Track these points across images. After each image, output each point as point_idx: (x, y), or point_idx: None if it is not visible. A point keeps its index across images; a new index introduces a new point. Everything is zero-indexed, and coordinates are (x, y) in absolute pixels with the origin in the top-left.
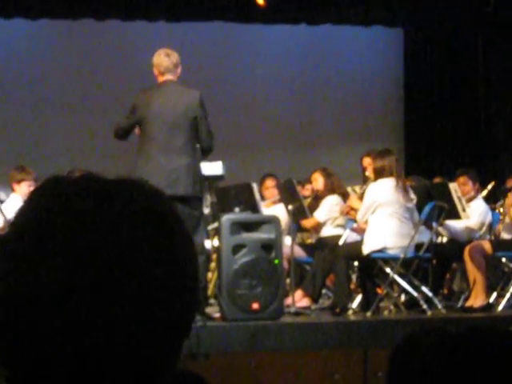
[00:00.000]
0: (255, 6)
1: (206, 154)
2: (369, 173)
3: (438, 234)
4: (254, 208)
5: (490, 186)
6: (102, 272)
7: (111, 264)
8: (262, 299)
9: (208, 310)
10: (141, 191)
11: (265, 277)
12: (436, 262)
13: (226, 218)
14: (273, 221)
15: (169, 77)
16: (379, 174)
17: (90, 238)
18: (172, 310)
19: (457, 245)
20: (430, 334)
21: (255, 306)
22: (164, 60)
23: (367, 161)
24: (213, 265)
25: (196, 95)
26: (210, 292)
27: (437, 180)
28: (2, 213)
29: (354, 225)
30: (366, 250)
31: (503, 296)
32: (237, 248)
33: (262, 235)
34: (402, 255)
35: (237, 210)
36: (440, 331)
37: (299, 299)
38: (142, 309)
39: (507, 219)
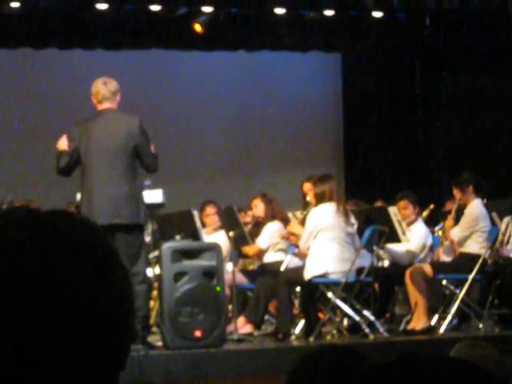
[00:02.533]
0: (193, 33)
1: (153, 172)
2: (309, 198)
3: (379, 258)
4: (195, 235)
5: (430, 209)
6: (31, 303)
7: (40, 296)
8: (205, 326)
9: (150, 338)
10: (73, 223)
11: (207, 304)
12: (378, 286)
13: (167, 245)
14: (214, 248)
15: (107, 105)
16: (320, 199)
17: (19, 269)
18: (104, 341)
19: (398, 268)
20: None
21: (198, 333)
22: (101, 88)
23: (307, 186)
24: (155, 293)
25: (136, 121)
26: (152, 320)
27: (377, 204)
28: None
29: (296, 250)
30: (308, 275)
31: (444, 318)
32: (178, 276)
33: (203, 262)
34: (343, 280)
35: (178, 237)
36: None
37: (242, 326)
38: (72, 342)
39: (447, 242)
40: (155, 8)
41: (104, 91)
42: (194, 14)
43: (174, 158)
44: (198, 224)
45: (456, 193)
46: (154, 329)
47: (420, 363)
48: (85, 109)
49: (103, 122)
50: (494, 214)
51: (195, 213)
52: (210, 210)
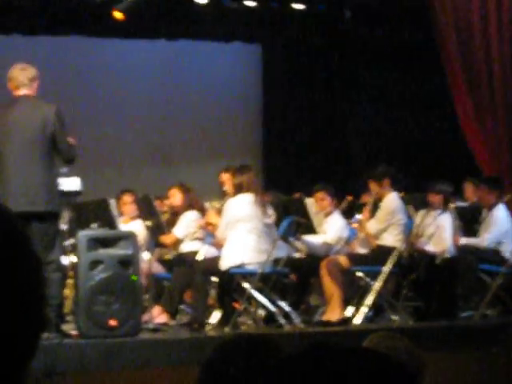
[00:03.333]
0: (113, 21)
1: (70, 163)
2: (227, 188)
3: (296, 249)
4: (111, 224)
5: (347, 202)
6: None
7: None
8: (120, 316)
9: (65, 327)
10: None
11: (122, 293)
12: (294, 277)
13: (83, 234)
14: (130, 237)
15: (24, 91)
16: (238, 189)
17: None
18: (14, 328)
19: (314, 260)
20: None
21: (112, 322)
22: (19, 74)
23: (225, 176)
24: (70, 281)
25: (52, 109)
26: (67, 309)
27: (294, 195)
28: None
29: (213, 240)
30: (225, 265)
31: (359, 310)
32: (94, 264)
33: (119, 251)
34: (259, 270)
35: (94, 225)
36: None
37: (157, 315)
38: None
39: (363, 234)
40: None
41: (21, 77)
42: (114, 0)
43: (92, 146)
44: (115, 212)
45: (373, 186)
46: (70, 317)
47: (331, 353)
48: (1, 95)
49: (19, 108)
50: (410, 207)
51: (112, 201)
52: (127, 198)
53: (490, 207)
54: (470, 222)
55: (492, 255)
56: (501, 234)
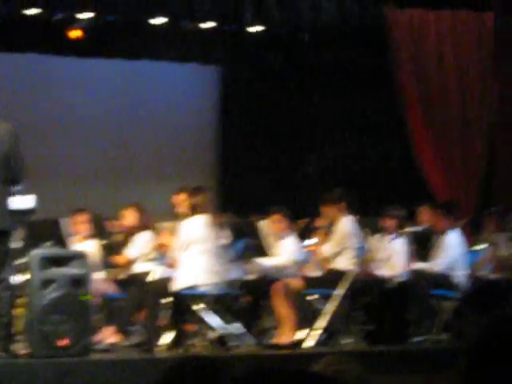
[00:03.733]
0: (71, 40)
1: (19, 182)
2: (182, 209)
3: (249, 271)
4: (62, 244)
5: (301, 225)
6: None
7: None
8: (71, 335)
9: (17, 346)
10: None
11: (74, 313)
12: (247, 299)
13: (36, 252)
14: (82, 256)
15: None
16: (193, 210)
17: None
18: None
19: (267, 282)
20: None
21: (63, 342)
22: None
23: (181, 197)
24: (22, 300)
25: (7, 128)
26: (18, 328)
27: (249, 218)
28: None
29: (166, 261)
30: (177, 286)
31: (311, 333)
32: (46, 283)
33: (71, 270)
34: (212, 292)
35: (47, 244)
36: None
37: (109, 336)
38: None
39: (317, 257)
40: (32, 12)
41: None
42: (71, 19)
43: (46, 164)
44: (65, 233)
45: (328, 209)
46: (21, 337)
47: (278, 377)
48: None
49: None
50: (364, 231)
51: (64, 220)
52: (81, 217)
53: (444, 232)
54: (423, 246)
55: (444, 280)
56: (453, 259)
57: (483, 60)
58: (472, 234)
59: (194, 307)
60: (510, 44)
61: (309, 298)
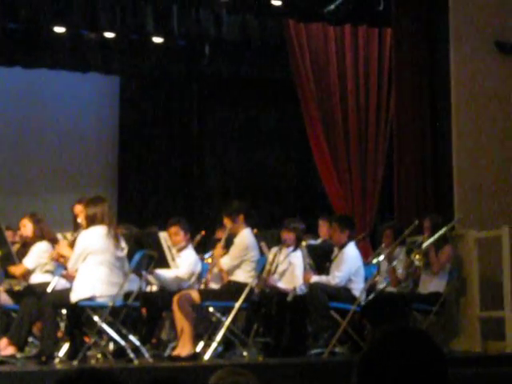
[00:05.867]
0: None
1: None
2: (80, 220)
3: (148, 283)
4: None
5: (200, 236)
6: None
7: None
8: None
9: None
10: None
11: None
12: (145, 311)
13: None
14: None
15: None
16: (91, 221)
17: None
18: None
19: (166, 294)
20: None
21: None
22: None
23: (79, 208)
24: None
25: None
26: None
27: (148, 229)
28: None
29: (64, 272)
30: (75, 297)
31: (210, 345)
32: None
33: None
34: (110, 303)
35: None
36: None
37: (4, 347)
38: None
39: (215, 269)
40: None
41: None
42: None
43: None
44: None
45: (226, 221)
46: None
47: None
48: None
49: None
50: (263, 244)
51: None
52: None
53: (342, 246)
54: (321, 259)
55: (342, 293)
56: (351, 273)
57: (382, 75)
58: (371, 248)
59: (91, 319)
60: (405, 60)
61: (208, 310)
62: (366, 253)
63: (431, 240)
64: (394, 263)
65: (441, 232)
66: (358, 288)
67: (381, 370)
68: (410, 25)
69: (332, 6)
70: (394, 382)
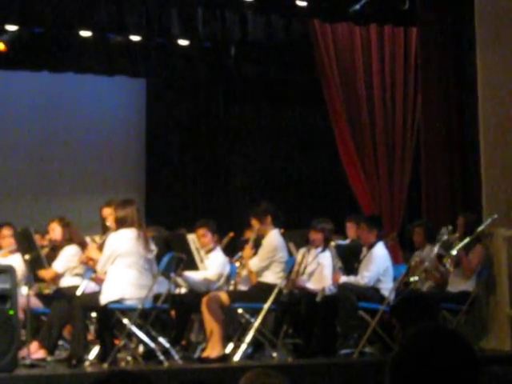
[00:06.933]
0: None
1: None
2: (109, 223)
3: (177, 285)
4: None
5: (229, 238)
6: None
7: None
8: None
9: None
10: None
11: None
12: (174, 313)
13: None
14: (8, 270)
15: None
16: (120, 224)
17: None
18: None
19: (195, 296)
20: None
21: None
22: None
23: (107, 211)
24: None
25: None
26: None
27: (177, 231)
28: None
29: (93, 275)
30: (104, 300)
31: (239, 346)
32: None
33: None
34: (139, 306)
35: None
36: None
37: (35, 351)
38: None
39: (244, 271)
40: None
41: None
42: None
43: None
44: None
45: (254, 223)
46: None
47: None
48: None
49: None
50: (291, 245)
51: None
52: (6, 231)
53: (370, 246)
54: (350, 260)
55: (371, 293)
56: (380, 272)
57: (408, 75)
58: (401, 248)
59: (121, 321)
60: (431, 58)
61: (237, 311)
62: (395, 252)
63: (462, 244)
64: (426, 264)
65: (473, 235)
66: (386, 288)
67: (413, 370)
68: (435, 24)
69: (357, 6)
70: (426, 382)
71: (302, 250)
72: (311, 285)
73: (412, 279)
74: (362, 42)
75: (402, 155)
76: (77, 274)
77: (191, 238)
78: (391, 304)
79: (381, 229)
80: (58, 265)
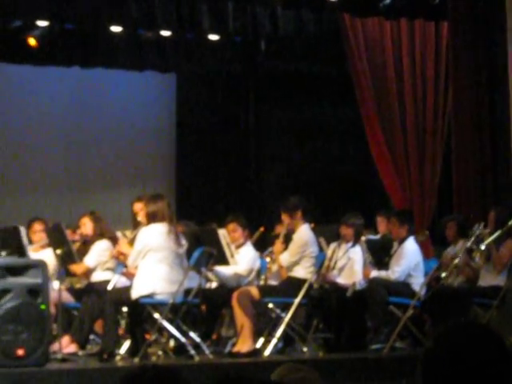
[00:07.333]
0: (27, 47)
1: None
2: (140, 217)
3: (207, 280)
4: (21, 252)
5: (258, 233)
6: None
7: None
8: (28, 345)
9: None
10: None
11: (30, 322)
12: (205, 308)
13: None
14: (40, 265)
15: None
16: (151, 218)
17: None
18: None
19: (225, 290)
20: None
21: (20, 352)
22: None
23: (138, 205)
24: None
25: None
26: None
27: (207, 226)
28: None
29: (124, 269)
30: (135, 294)
31: (270, 341)
32: (2, 293)
33: (28, 280)
34: (170, 301)
35: (3, 253)
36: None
37: (66, 345)
38: None
39: (274, 266)
40: None
41: None
42: (28, 27)
43: (3, 173)
44: (25, 240)
45: (284, 217)
46: None
47: None
48: None
49: None
50: (321, 240)
51: (22, 229)
52: (38, 226)
53: (401, 240)
54: (380, 254)
55: (402, 288)
56: (410, 267)
57: (439, 68)
58: (432, 243)
59: (152, 316)
60: (462, 53)
61: (268, 306)
62: (427, 247)
63: (492, 238)
64: (458, 259)
65: (504, 229)
66: (417, 283)
67: (445, 366)
68: (466, 17)
69: (388, 0)
70: (459, 378)
71: (333, 245)
72: (342, 280)
73: (443, 274)
74: (393, 37)
75: (432, 149)
76: (108, 269)
77: (222, 232)
78: (422, 299)
79: (412, 223)
80: (90, 259)
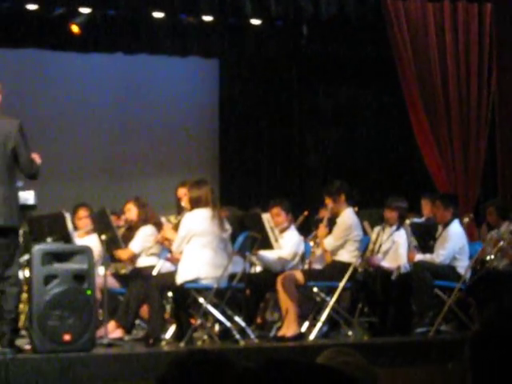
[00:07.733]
0: (70, 34)
1: (33, 179)
2: (184, 203)
3: (252, 264)
4: (67, 238)
5: (302, 217)
6: None
7: None
8: (74, 330)
9: (19, 342)
10: None
11: (77, 308)
12: (250, 292)
13: (38, 248)
14: (85, 251)
15: None
16: (195, 204)
17: None
18: None
19: (270, 275)
20: (192, 361)
21: (67, 337)
22: None
23: (182, 191)
24: (25, 296)
25: (15, 124)
26: (21, 324)
27: (251, 210)
28: None
29: (168, 255)
30: (180, 279)
31: (315, 325)
32: (48, 279)
33: (74, 265)
34: (215, 285)
35: (49, 240)
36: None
37: (112, 330)
38: None
39: (318, 250)
40: (32, 7)
41: None
42: (71, 14)
43: (48, 160)
44: (70, 227)
45: (328, 201)
46: (24, 332)
47: (288, 369)
48: None
49: None
50: (366, 223)
51: (67, 215)
52: (83, 212)
53: (446, 224)
54: (425, 238)
55: (447, 271)
56: (455, 251)
57: (482, 51)
58: (476, 226)
59: (197, 300)
60: (507, 35)
61: (312, 290)
62: (471, 230)
63: None
64: (502, 242)
65: None
66: (462, 266)
67: (493, 350)
68: None
69: None
70: (509, 362)
71: (377, 229)
72: (386, 263)
73: (488, 257)
74: (436, 19)
75: (476, 132)
76: (153, 254)
77: (266, 217)
78: (467, 282)
79: (456, 206)
80: (135, 245)
